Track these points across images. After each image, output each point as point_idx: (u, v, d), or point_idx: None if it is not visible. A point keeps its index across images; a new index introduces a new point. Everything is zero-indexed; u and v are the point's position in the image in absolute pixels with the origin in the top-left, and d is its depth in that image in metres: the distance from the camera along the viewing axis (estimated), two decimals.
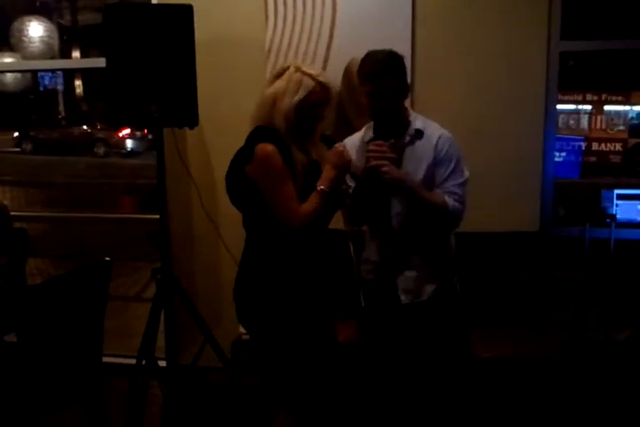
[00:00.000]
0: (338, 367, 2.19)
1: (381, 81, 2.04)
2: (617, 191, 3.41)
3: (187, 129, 2.88)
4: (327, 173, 1.99)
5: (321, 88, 2.01)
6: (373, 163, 1.96)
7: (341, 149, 2.00)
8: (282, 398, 2.10)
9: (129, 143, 14.51)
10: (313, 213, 1.96)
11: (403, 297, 2.17)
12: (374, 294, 2.25)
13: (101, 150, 14.40)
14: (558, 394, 2.60)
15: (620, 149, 10.57)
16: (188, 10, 2.72)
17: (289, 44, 3.09)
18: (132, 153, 14.32)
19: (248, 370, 2.87)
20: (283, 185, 1.96)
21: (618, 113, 10.52)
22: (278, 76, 2.04)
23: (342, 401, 2.25)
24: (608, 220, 3.07)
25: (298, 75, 2.00)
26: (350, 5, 3.00)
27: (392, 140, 2.03)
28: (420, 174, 2.10)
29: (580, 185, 3.62)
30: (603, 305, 3.08)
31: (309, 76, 2.00)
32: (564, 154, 3.39)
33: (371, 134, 2.14)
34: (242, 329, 2.90)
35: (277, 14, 3.08)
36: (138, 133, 14.44)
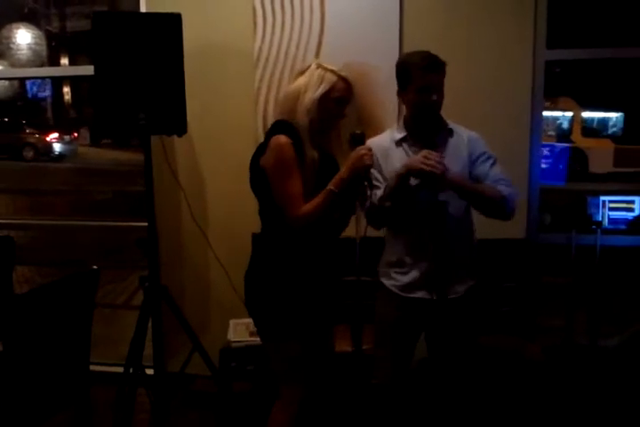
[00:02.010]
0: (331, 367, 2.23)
1: (440, 73, 2.08)
2: (602, 198, 3.45)
3: (175, 137, 2.89)
4: (341, 173, 1.97)
5: (344, 83, 2.03)
6: (429, 168, 1.94)
7: (363, 152, 1.95)
8: (280, 388, 2.11)
9: (57, 147, 14.85)
10: (311, 212, 1.96)
11: (438, 293, 2.14)
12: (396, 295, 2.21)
13: (30, 154, 14.65)
14: (545, 399, 2.62)
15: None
16: (177, 19, 2.73)
17: (278, 52, 3.10)
18: (62, 157, 14.62)
19: (236, 378, 2.86)
20: (288, 178, 1.96)
21: (546, 118, 10.69)
22: (301, 73, 2.07)
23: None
24: (594, 226, 3.09)
25: (319, 71, 2.03)
26: (339, 13, 3.02)
27: (443, 155, 2.03)
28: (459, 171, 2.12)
29: (565, 192, 3.65)
30: (589, 311, 3.10)
31: (331, 71, 2.03)
32: (549, 160, 3.43)
33: (403, 133, 2.16)
34: (230, 336, 2.90)
35: (266, 22, 3.10)
36: (66, 137, 14.84)
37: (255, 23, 3.10)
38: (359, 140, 2.01)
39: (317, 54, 3.05)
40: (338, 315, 2.28)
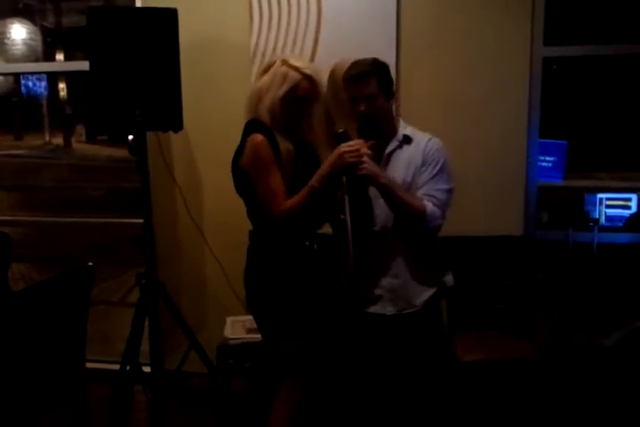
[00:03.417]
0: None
1: (364, 84, 2.04)
2: (600, 195, 3.44)
3: (171, 133, 2.87)
4: (322, 169, 1.97)
5: (308, 81, 2.00)
6: (350, 158, 1.92)
7: (345, 149, 1.93)
8: (285, 364, 2.10)
9: None
10: (294, 208, 1.95)
11: (389, 308, 2.14)
12: (351, 306, 2.19)
13: None
14: (542, 397, 2.62)
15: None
16: (173, 14, 2.72)
17: (274, 48, 3.09)
18: None
19: (233, 375, 2.85)
20: (268, 175, 1.96)
21: None
22: (266, 70, 2.04)
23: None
24: (591, 224, 3.09)
25: (283, 68, 1.99)
26: (335, 8, 3.00)
27: (372, 142, 2.03)
28: (408, 178, 2.10)
29: (562, 189, 3.66)
30: (586, 309, 3.10)
31: (295, 69, 1.99)
32: (551, 158, 3.43)
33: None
34: (227, 334, 2.89)
35: (262, 18, 3.08)
36: None
37: (251, 18, 3.08)
38: (342, 138, 2.00)
39: (314, 49, 3.04)
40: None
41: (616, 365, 2.75)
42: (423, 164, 2.11)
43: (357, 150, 1.95)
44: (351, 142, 1.99)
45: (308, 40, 3.05)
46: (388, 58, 2.88)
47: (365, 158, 1.95)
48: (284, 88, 1.97)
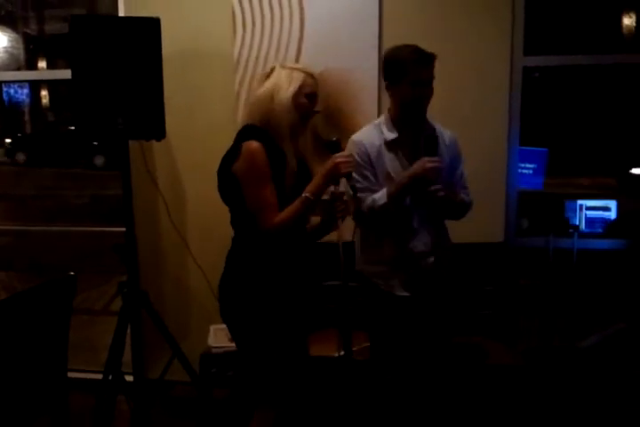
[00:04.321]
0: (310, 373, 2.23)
1: (432, 66, 2.12)
2: (580, 202, 3.49)
3: (154, 141, 2.87)
4: (316, 180, 1.98)
5: (311, 78, 2.05)
6: (433, 188, 2.07)
7: (340, 160, 1.95)
8: (259, 394, 2.10)
9: None
10: (285, 222, 1.95)
11: (418, 289, 2.23)
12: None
13: None
14: (524, 403, 2.64)
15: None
16: (156, 23, 2.72)
17: (257, 57, 3.10)
18: None
19: (216, 384, 2.84)
20: (261, 185, 1.94)
21: None
22: (267, 76, 2.07)
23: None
24: (571, 230, 3.13)
25: (286, 70, 2.04)
26: (318, 20, 3.03)
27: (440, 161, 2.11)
28: None
29: (542, 195, 3.70)
30: (567, 313, 3.13)
31: (296, 69, 2.05)
32: (531, 165, 3.47)
33: (394, 134, 2.19)
34: (210, 342, 2.88)
35: (245, 27, 3.10)
36: None
37: (235, 28, 3.10)
38: (335, 147, 2.01)
39: (297, 59, 3.06)
40: (321, 320, 2.28)
41: (591, 367, 2.78)
42: (455, 161, 2.26)
43: (352, 161, 1.99)
44: (345, 153, 2.01)
45: (292, 49, 3.07)
46: (371, 67, 2.92)
47: (440, 187, 2.07)
48: (293, 87, 2.00)
